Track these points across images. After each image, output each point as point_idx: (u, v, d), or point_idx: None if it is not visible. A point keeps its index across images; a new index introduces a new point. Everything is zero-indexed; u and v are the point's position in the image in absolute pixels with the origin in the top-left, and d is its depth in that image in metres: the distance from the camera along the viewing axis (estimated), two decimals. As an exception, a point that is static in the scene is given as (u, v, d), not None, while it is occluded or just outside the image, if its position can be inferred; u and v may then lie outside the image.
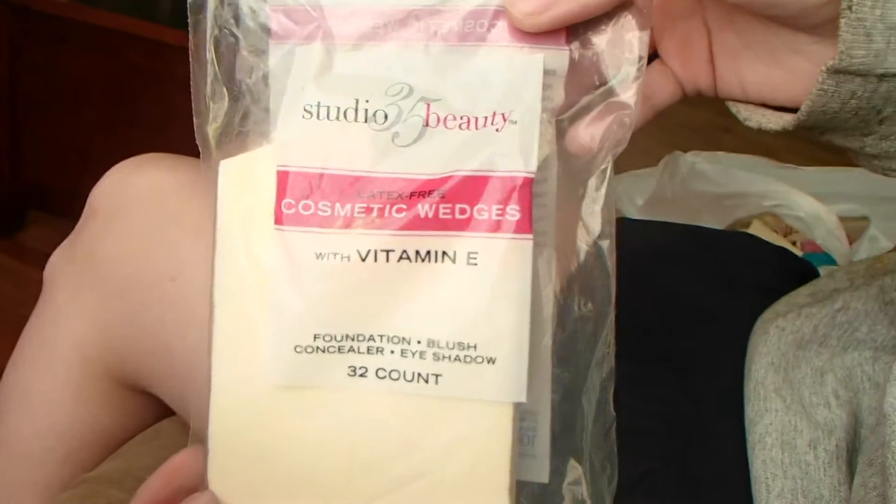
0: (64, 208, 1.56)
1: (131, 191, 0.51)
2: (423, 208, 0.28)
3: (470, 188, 0.28)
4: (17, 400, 0.55)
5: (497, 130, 0.28)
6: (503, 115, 0.28)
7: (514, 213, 0.27)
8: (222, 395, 0.30)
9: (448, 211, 0.28)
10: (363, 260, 0.28)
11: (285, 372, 0.29)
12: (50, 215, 1.71)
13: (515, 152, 0.27)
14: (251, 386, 0.30)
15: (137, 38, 1.36)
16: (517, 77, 0.28)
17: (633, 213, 1.11)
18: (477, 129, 0.28)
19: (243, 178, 0.30)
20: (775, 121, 0.27)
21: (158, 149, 0.56)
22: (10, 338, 0.57)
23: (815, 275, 0.57)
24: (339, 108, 0.29)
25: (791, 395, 0.39)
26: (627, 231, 0.60)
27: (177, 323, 0.48)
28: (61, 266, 0.53)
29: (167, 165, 0.52)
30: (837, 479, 0.36)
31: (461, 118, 0.28)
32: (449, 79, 0.29)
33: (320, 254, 0.28)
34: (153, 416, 0.57)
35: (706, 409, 0.43)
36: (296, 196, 0.29)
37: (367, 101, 0.28)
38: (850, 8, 0.22)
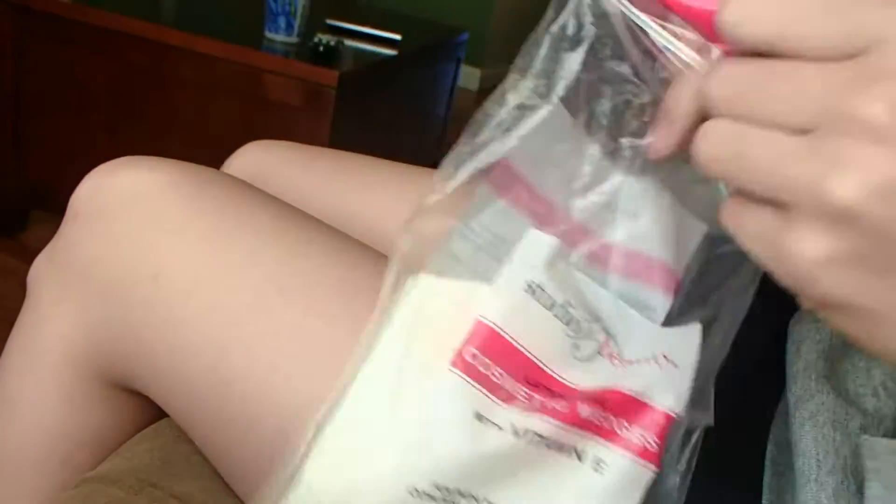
0: (66, 209, 1.57)
1: (111, 192, 0.51)
2: (579, 407, 0.30)
3: (624, 405, 0.30)
4: (8, 405, 0.55)
5: (659, 365, 0.31)
6: (665, 355, 0.31)
7: (653, 444, 0.30)
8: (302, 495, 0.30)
9: (597, 416, 0.30)
10: (517, 437, 0.29)
11: None
12: (52, 215, 1.71)
13: (671, 391, 0.30)
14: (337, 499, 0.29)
15: (140, 39, 1.37)
16: (684, 338, 0.32)
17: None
18: (639, 364, 0.31)
19: (438, 300, 0.31)
20: None
21: (160, 149, 0.57)
22: (12, 337, 0.58)
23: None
24: (553, 301, 0.31)
25: (838, 386, 0.40)
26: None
27: (159, 323, 0.48)
28: (44, 269, 0.53)
29: (147, 167, 0.52)
30: None
31: (626, 360, 0.32)
32: (633, 327, 0.32)
33: (480, 416, 0.29)
34: (150, 415, 0.57)
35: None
36: (481, 350, 0.30)
37: (572, 307, 0.31)
38: None
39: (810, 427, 0.39)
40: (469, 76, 3.83)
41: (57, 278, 0.52)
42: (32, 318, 0.54)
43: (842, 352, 0.42)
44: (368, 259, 0.50)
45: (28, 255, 0.57)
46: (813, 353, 0.42)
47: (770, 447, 0.41)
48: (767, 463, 0.41)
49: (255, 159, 0.71)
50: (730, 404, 0.42)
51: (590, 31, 0.30)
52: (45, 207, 1.58)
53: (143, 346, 0.48)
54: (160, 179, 0.51)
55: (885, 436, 0.37)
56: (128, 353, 0.50)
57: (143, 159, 0.53)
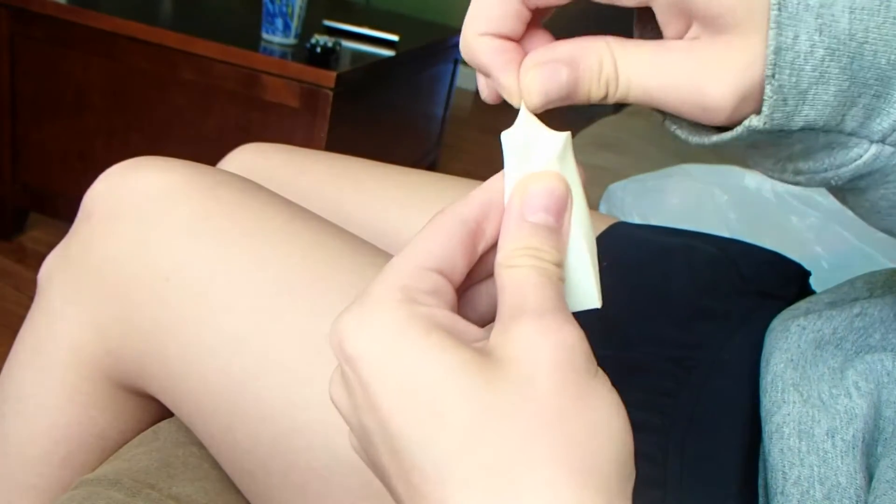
0: (64, 211, 1.57)
1: (125, 193, 0.52)
2: None
3: None
4: (13, 404, 0.55)
5: None
6: None
7: None
8: None
9: None
10: None
11: None
12: (50, 218, 1.71)
13: None
14: None
15: (137, 42, 1.37)
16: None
17: (636, 218, 1.11)
18: None
19: None
20: (687, 136, 0.29)
21: (158, 152, 0.57)
22: (11, 339, 0.58)
23: (808, 277, 0.57)
24: None
25: (809, 391, 0.40)
26: (630, 232, 0.61)
27: (171, 323, 0.48)
28: (56, 268, 0.54)
29: (160, 168, 0.52)
30: (853, 467, 0.36)
31: None
32: None
33: None
34: (150, 418, 0.57)
35: (706, 400, 0.43)
36: None
37: None
38: (772, 76, 0.25)
39: (776, 439, 0.39)
40: (467, 76, 3.84)
41: (69, 277, 0.52)
42: (43, 316, 0.54)
43: (814, 357, 0.42)
44: (376, 260, 0.50)
45: (25, 258, 0.57)
46: (780, 364, 0.42)
47: (760, 466, 0.41)
48: (760, 482, 0.41)
49: (248, 162, 0.71)
50: (731, 425, 0.42)
51: None
52: (43, 210, 1.58)
53: (155, 346, 0.49)
54: (173, 180, 0.51)
55: (854, 436, 0.37)
56: (138, 353, 0.50)
57: (156, 160, 0.53)
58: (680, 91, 0.26)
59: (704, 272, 0.54)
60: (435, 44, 2.01)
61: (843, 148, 0.27)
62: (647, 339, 0.49)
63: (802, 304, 0.47)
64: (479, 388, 0.22)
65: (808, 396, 0.39)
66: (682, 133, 0.28)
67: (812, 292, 0.55)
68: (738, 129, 0.26)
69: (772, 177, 0.30)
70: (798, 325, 0.44)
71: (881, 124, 0.26)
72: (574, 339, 0.24)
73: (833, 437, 0.37)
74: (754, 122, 0.25)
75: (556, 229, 0.27)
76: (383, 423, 0.23)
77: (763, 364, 0.44)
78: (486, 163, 2.70)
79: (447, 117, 2.36)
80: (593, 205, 1.17)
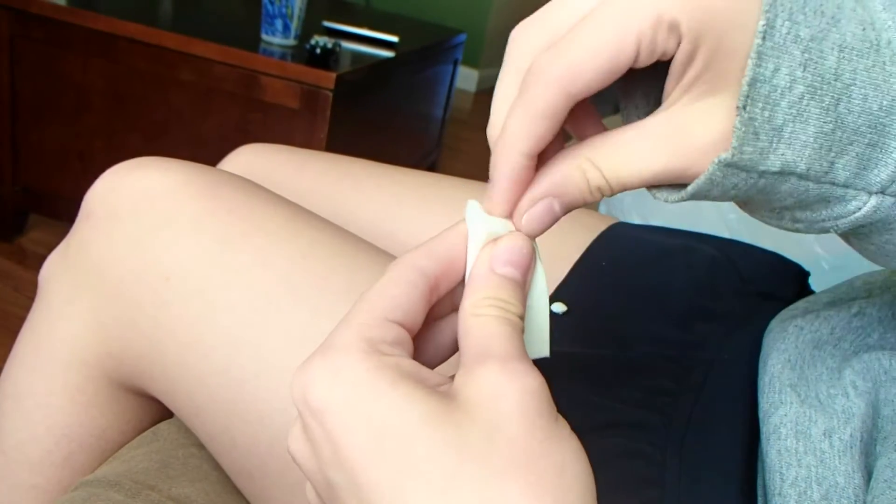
0: (64, 212, 1.57)
1: (125, 193, 0.52)
2: None
3: None
4: (13, 404, 0.55)
5: None
6: None
7: None
8: None
9: None
10: None
11: None
12: (50, 219, 1.71)
13: None
14: None
15: (137, 43, 1.37)
16: None
17: (636, 219, 1.11)
18: None
19: None
20: (666, 196, 0.29)
21: (158, 153, 0.57)
22: (10, 340, 0.58)
23: (807, 277, 0.57)
24: None
25: (806, 391, 0.40)
26: (629, 232, 0.61)
27: (171, 322, 0.48)
28: (57, 268, 0.54)
29: (160, 168, 0.52)
30: (851, 467, 0.36)
31: None
32: None
33: None
34: (150, 418, 0.57)
35: (705, 400, 0.43)
36: None
37: None
38: (743, 107, 0.24)
39: (774, 440, 0.39)
40: (466, 77, 3.84)
41: (69, 277, 0.52)
42: (44, 316, 0.54)
43: (812, 357, 0.42)
44: (376, 260, 0.50)
45: (25, 259, 0.57)
46: (778, 364, 0.42)
47: (759, 466, 0.41)
48: (759, 482, 0.41)
49: (248, 163, 0.71)
50: (730, 425, 0.42)
51: None
52: (43, 211, 1.58)
53: (155, 346, 0.49)
54: (173, 180, 0.51)
55: (851, 436, 0.37)
56: (138, 353, 0.50)
57: (156, 160, 0.53)
58: (669, 169, 0.26)
59: (704, 273, 0.54)
60: (434, 45, 2.01)
61: (841, 201, 0.26)
62: (647, 339, 0.49)
63: (801, 304, 0.47)
64: (450, 435, 0.23)
65: (806, 397, 0.39)
66: (661, 195, 0.28)
67: (811, 293, 0.55)
68: (710, 167, 0.25)
69: (770, 224, 0.30)
70: (796, 326, 0.44)
71: (879, 175, 0.25)
72: (537, 385, 0.24)
73: (830, 437, 0.37)
74: (723, 155, 0.25)
75: (521, 284, 0.28)
76: (353, 476, 0.23)
77: (761, 365, 0.44)
78: (486, 163, 2.69)
79: (447, 118, 2.36)
80: (593, 205, 1.17)
